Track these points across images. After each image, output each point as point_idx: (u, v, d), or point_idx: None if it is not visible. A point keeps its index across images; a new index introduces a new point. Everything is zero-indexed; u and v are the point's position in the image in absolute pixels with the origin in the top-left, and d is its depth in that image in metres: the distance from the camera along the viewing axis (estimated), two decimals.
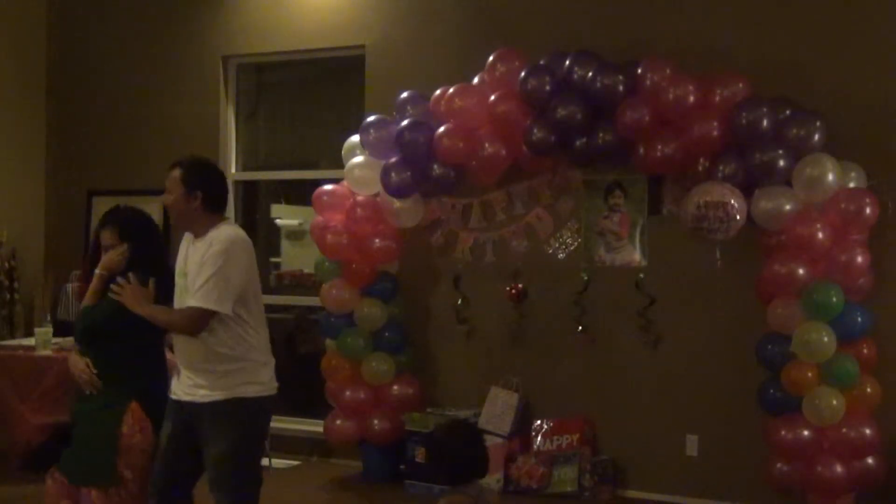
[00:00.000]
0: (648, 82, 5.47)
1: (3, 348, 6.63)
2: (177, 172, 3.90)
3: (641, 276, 5.94)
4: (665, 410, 5.93)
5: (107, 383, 3.95)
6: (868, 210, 5.16)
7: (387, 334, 6.37)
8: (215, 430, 3.82)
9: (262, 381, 3.91)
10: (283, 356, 7.71)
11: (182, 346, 3.91)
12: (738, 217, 5.22)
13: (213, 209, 3.91)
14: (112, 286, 3.88)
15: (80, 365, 3.93)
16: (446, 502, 3.53)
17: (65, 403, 6.07)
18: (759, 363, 5.44)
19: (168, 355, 4.17)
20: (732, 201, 5.19)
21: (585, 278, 6.08)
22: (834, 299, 5.11)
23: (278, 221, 8.12)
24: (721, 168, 5.34)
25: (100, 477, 3.91)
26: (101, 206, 7.38)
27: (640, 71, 5.52)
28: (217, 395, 3.82)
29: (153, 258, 4.03)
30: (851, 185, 5.26)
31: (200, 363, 3.84)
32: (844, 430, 5.13)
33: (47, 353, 6.34)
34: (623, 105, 5.53)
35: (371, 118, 6.29)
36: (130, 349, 3.95)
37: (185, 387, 3.88)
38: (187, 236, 3.98)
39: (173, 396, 3.95)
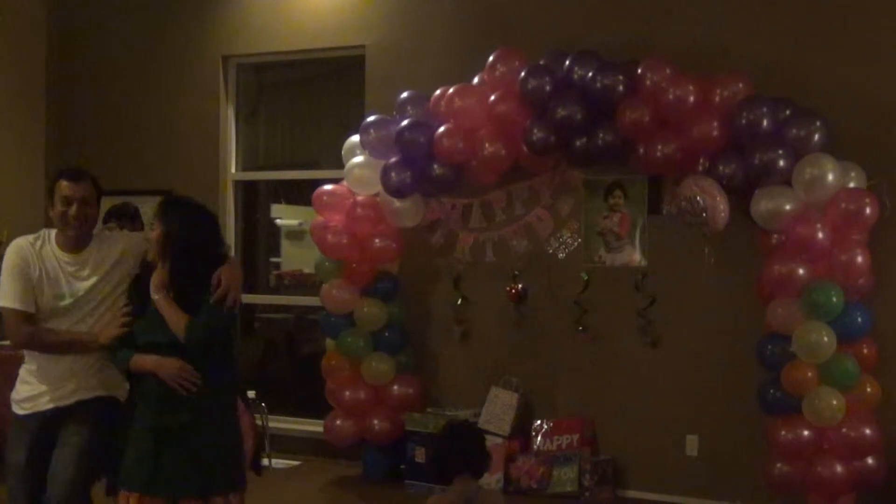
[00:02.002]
0: (648, 82, 5.47)
1: (3, 348, 6.62)
2: (89, 183, 3.94)
3: (641, 276, 5.94)
4: (665, 410, 5.93)
5: (213, 393, 3.76)
6: (868, 210, 5.16)
7: (387, 334, 6.36)
8: (81, 426, 3.90)
9: None
10: (283, 356, 7.81)
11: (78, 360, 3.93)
12: (704, 212, 5.21)
13: None
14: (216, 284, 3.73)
15: (175, 365, 3.68)
16: (434, 501, 3.54)
17: None
18: (759, 363, 5.44)
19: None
20: (695, 196, 5.20)
21: (585, 278, 6.08)
22: (834, 299, 5.11)
23: (278, 221, 8.12)
24: (721, 168, 5.34)
25: (240, 482, 3.84)
26: (101, 205, 7.39)
27: (640, 71, 5.52)
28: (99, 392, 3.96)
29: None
30: (851, 185, 5.26)
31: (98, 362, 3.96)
32: (844, 430, 5.13)
33: None
34: (623, 105, 5.53)
35: (371, 118, 6.29)
36: (225, 353, 3.84)
37: (66, 392, 3.92)
38: (37, 250, 3.91)
39: (37, 410, 3.93)
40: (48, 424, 3.92)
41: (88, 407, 3.93)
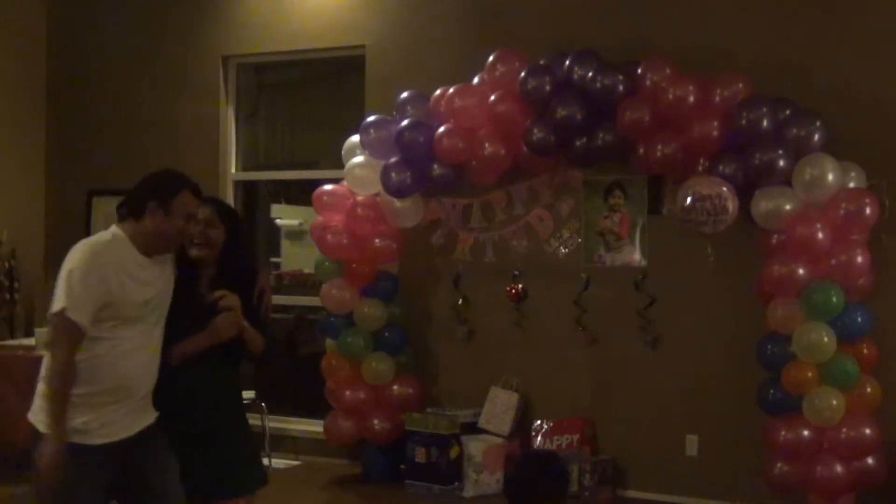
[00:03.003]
0: (648, 82, 5.47)
1: (3, 348, 6.63)
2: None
3: (641, 276, 5.94)
4: (665, 410, 5.93)
5: (235, 396, 3.89)
6: (868, 210, 5.16)
7: (387, 334, 6.36)
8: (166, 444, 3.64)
9: None
10: (283, 356, 7.80)
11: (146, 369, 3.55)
12: (726, 211, 5.21)
13: None
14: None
15: (228, 317, 3.60)
16: None
17: None
18: (759, 363, 5.44)
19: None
20: (719, 194, 5.20)
21: (585, 278, 6.08)
22: (834, 299, 5.11)
23: (278, 221, 8.13)
24: (721, 168, 5.34)
25: (264, 478, 3.91)
26: (101, 206, 7.41)
27: (640, 71, 5.52)
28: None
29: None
30: (851, 185, 5.26)
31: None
32: (844, 430, 5.13)
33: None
34: (623, 105, 5.53)
35: (371, 118, 6.29)
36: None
37: (142, 415, 3.55)
38: (116, 251, 3.46)
39: (108, 440, 3.43)
40: (128, 448, 3.49)
41: (158, 424, 3.63)
